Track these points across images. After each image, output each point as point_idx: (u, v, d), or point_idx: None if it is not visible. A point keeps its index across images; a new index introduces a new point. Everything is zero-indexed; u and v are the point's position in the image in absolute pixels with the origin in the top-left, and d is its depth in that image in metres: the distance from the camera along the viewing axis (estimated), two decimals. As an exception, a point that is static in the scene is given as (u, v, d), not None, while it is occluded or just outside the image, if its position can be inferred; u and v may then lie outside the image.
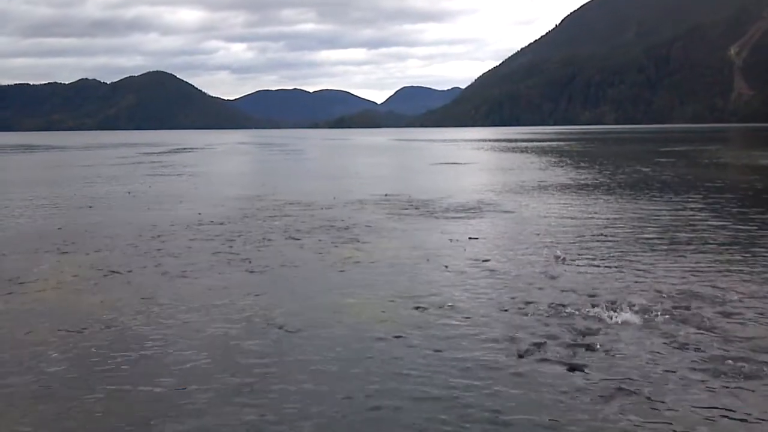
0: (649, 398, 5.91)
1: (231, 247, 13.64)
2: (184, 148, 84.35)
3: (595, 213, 18.26)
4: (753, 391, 6.04)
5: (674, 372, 6.48)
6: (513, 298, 9.27)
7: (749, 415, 5.60)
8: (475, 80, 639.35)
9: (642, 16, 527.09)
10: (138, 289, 10.12)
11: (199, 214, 18.60)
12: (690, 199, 21.29)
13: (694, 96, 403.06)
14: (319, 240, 14.35)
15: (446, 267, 11.44)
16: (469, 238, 14.35)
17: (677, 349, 7.10)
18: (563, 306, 8.70)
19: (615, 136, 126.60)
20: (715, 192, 23.95)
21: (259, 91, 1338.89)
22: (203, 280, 10.75)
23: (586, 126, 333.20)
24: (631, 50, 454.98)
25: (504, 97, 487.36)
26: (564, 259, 11.74)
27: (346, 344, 7.46)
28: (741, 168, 38.41)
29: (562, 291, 9.61)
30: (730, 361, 6.67)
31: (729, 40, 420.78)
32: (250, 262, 12.15)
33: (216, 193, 25.36)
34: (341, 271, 11.31)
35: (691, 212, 18.21)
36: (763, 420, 5.51)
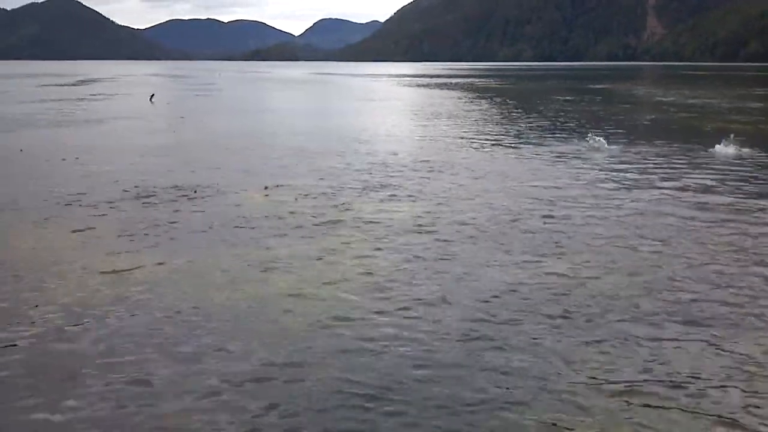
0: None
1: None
2: (91, 80, 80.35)
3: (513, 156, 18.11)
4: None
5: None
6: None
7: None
8: (394, 14, 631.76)
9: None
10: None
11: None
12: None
13: (609, 34, 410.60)
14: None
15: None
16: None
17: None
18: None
19: (533, 73, 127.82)
20: (623, 125, 24.23)
21: (171, 20, 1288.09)
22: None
23: (504, 63, 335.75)
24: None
25: (423, 32, 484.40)
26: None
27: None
28: (657, 104, 39.18)
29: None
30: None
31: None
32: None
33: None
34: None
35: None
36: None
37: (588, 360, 5.55)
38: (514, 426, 4.64)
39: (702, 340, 5.96)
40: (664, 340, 5.97)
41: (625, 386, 5.16)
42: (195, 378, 5.28)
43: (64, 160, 16.42)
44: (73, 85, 65.56)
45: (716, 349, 5.81)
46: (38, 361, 5.56)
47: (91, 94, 47.15)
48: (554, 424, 4.65)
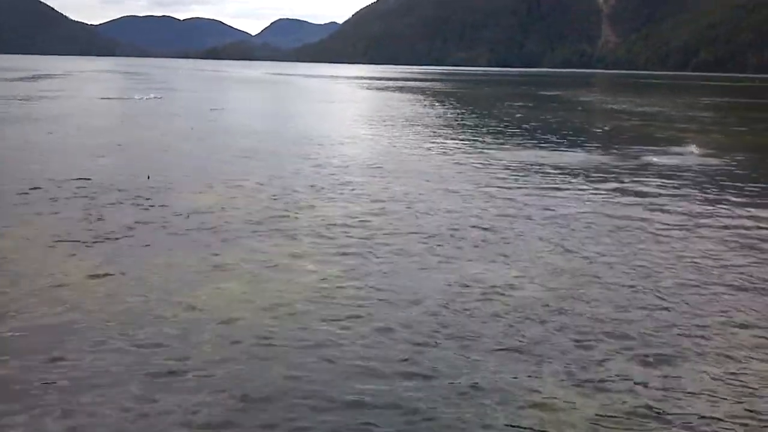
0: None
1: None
2: (43, 75, 78.47)
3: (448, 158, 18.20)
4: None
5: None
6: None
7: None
8: (352, 16, 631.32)
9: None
10: None
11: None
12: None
13: (564, 41, 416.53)
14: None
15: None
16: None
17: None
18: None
19: (489, 78, 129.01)
20: (570, 133, 24.56)
21: (126, 16, 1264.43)
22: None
23: (460, 67, 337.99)
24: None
25: (381, 34, 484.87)
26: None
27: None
28: (608, 112, 39.84)
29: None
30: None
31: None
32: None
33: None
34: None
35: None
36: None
37: (532, 390, 5.47)
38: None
39: (645, 364, 6.00)
40: (602, 358, 6.04)
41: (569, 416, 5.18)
42: (134, 393, 5.17)
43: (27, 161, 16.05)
44: (24, 80, 63.99)
45: (663, 375, 5.88)
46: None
47: (41, 90, 46.12)
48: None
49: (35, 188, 12.36)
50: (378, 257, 8.55)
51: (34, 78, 69.18)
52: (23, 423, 4.66)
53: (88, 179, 13.29)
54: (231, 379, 5.30)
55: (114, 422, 4.69)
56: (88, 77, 78.81)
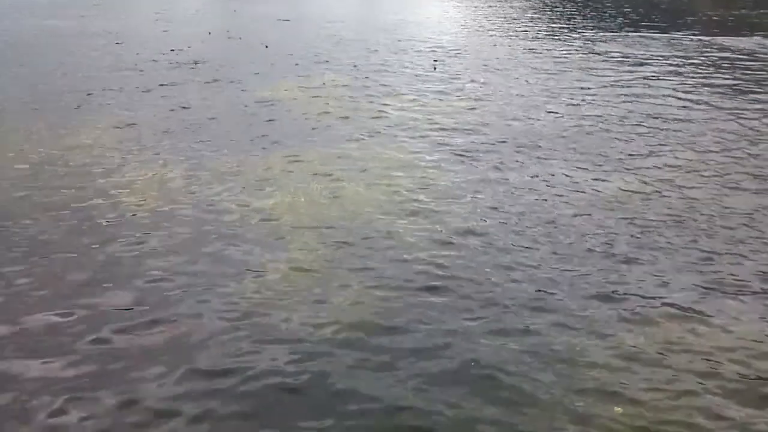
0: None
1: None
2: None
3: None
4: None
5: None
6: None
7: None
8: None
9: None
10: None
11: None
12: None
13: None
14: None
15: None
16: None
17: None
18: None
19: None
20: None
21: None
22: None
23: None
24: None
25: None
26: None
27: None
28: None
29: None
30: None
31: None
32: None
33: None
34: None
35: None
36: None
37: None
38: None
39: None
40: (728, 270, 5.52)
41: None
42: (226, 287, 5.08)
43: (119, 43, 16.11)
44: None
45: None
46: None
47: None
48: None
49: (119, 78, 12.37)
50: (477, 162, 8.06)
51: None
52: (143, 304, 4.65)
53: (174, 66, 13.23)
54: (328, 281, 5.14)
55: (204, 325, 4.67)
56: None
